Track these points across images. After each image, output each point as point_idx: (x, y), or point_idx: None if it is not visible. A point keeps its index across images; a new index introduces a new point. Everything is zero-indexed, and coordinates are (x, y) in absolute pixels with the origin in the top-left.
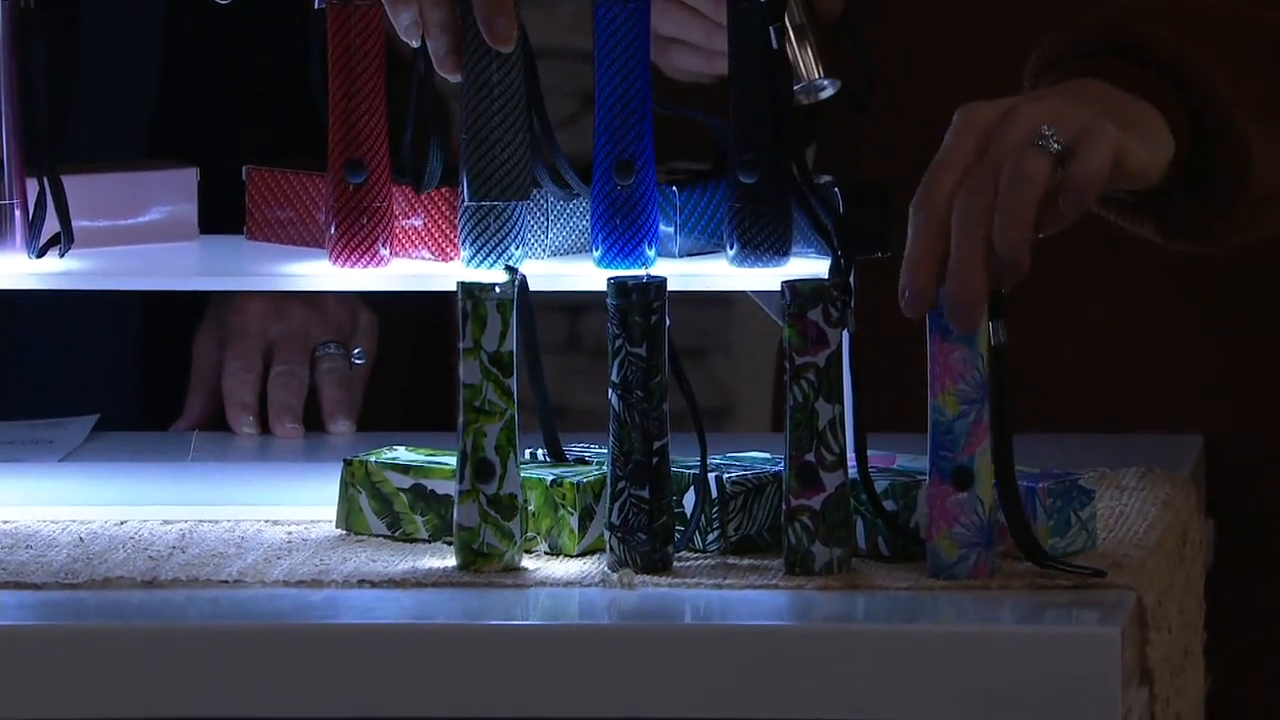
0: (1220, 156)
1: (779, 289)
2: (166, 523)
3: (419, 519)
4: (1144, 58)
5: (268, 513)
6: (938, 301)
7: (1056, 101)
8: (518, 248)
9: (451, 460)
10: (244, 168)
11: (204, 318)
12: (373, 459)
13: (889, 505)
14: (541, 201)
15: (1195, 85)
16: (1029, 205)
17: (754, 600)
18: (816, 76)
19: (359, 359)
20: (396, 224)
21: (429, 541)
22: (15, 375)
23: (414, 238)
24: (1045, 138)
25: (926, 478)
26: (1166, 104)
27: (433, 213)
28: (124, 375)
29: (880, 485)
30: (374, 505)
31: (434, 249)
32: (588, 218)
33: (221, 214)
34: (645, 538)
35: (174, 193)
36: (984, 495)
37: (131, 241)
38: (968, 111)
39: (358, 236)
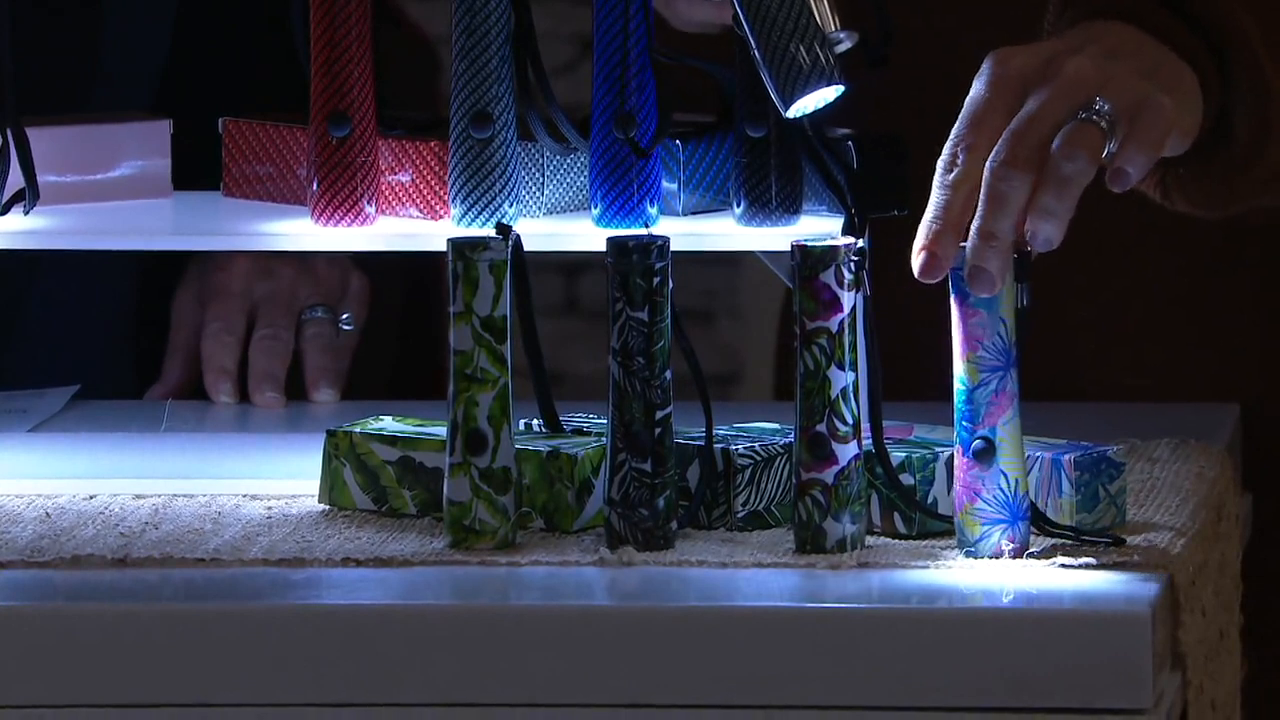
0: (1241, 121)
1: (789, 249)
2: (139, 497)
3: (407, 494)
4: (1174, 5)
5: (246, 487)
6: (952, 266)
7: (1099, 60)
8: (511, 204)
9: (441, 431)
10: (220, 120)
11: (185, 275)
12: (358, 430)
13: (906, 479)
14: (537, 156)
15: (1229, 43)
16: (1078, 187)
17: (762, 580)
18: (833, 29)
19: (347, 325)
20: (383, 180)
21: (417, 517)
22: None
23: (401, 194)
24: (1097, 111)
25: (944, 450)
26: (1196, 57)
27: (421, 168)
28: (107, 340)
29: (896, 458)
30: (359, 479)
31: (423, 207)
32: (586, 173)
33: (196, 169)
34: (647, 513)
35: (146, 146)
36: (1008, 469)
37: (101, 198)
38: (1001, 60)
39: (341, 193)
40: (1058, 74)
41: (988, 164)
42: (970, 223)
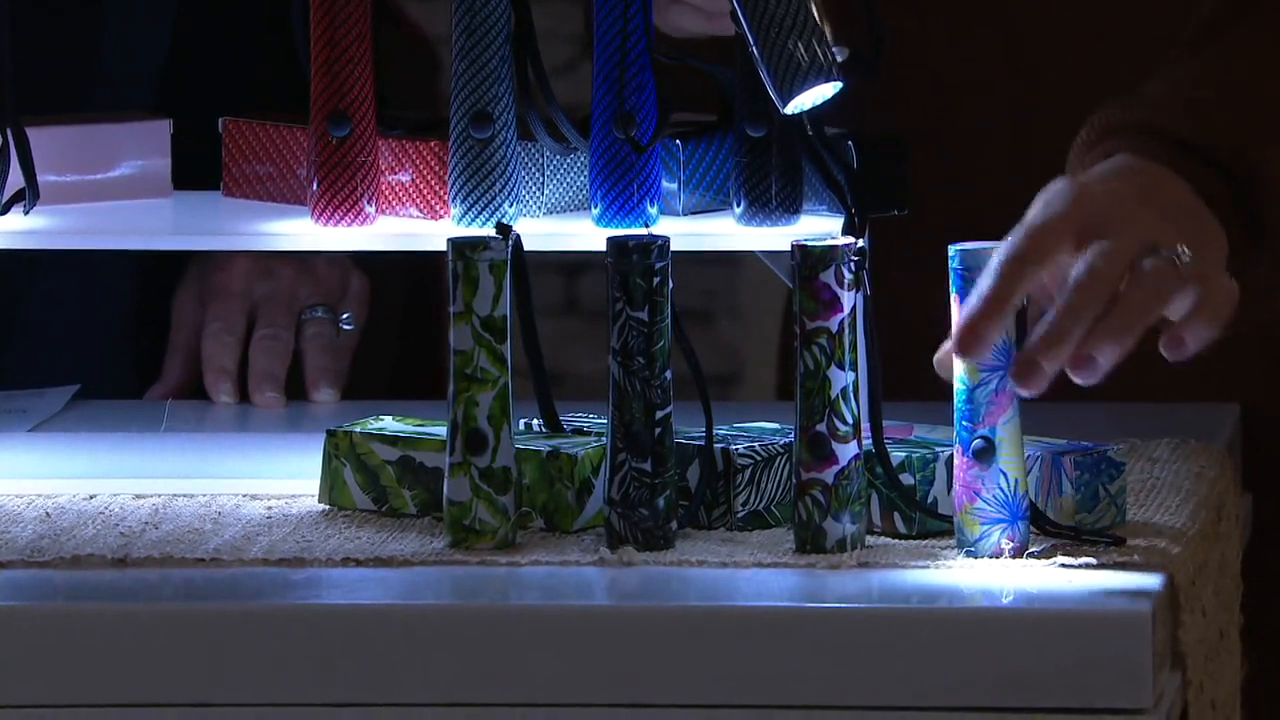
0: (1251, 295)
1: (789, 249)
2: (139, 497)
3: (407, 493)
4: (1219, 161)
5: (246, 486)
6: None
7: (1167, 220)
8: (511, 204)
9: (441, 431)
10: (220, 119)
11: (185, 275)
12: (358, 430)
13: (906, 479)
14: (537, 156)
15: (1268, 216)
16: (1151, 318)
17: (762, 580)
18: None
19: (347, 325)
20: (383, 180)
21: (417, 517)
22: None
23: (401, 194)
24: (1178, 255)
25: (944, 449)
26: (1228, 217)
27: (421, 168)
28: (107, 340)
29: (897, 457)
30: (359, 479)
31: (423, 206)
32: (586, 173)
33: (196, 169)
34: (647, 513)
35: (146, 146)
36: (1008, 468)
37: (101, 198)
38: (1082, 187)
39: (341, 193)
40: (1131, 219)
41: (1073, 277)
42: (1005, 312)
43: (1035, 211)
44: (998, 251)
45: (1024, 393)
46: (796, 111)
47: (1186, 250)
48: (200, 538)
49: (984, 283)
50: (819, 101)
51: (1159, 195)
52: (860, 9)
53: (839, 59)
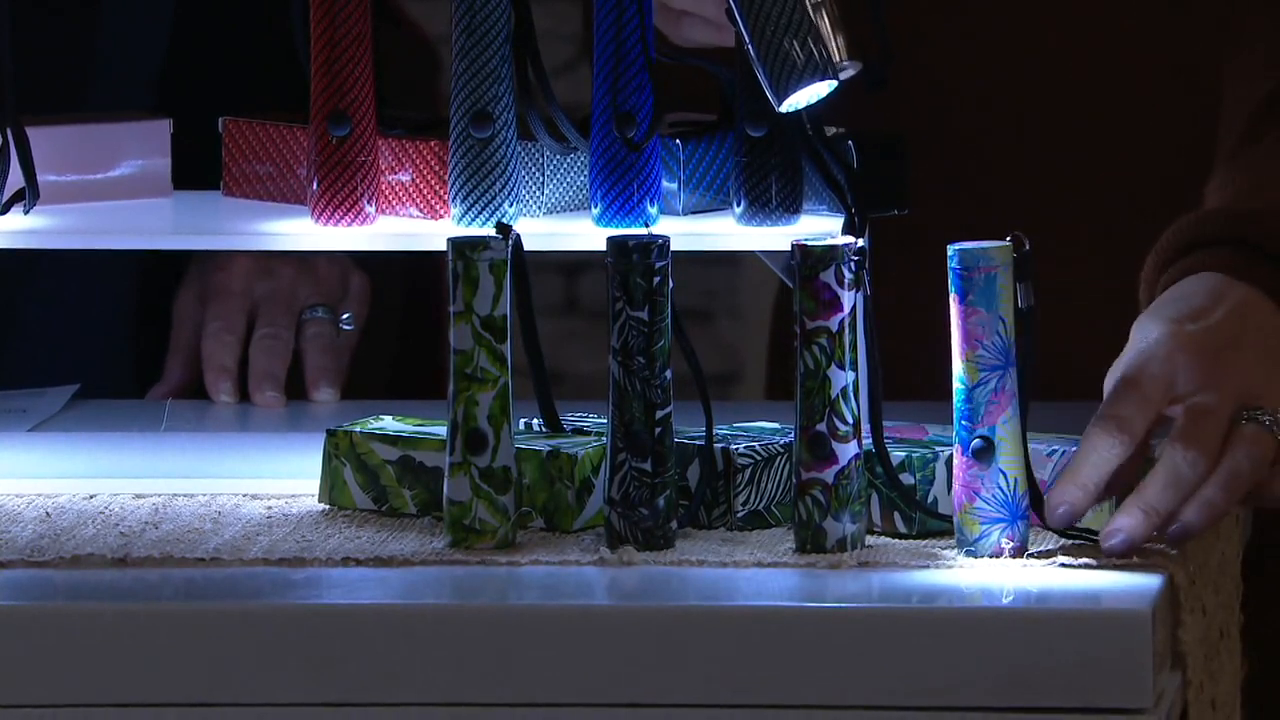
0: None
1: (789, 249)
2: (139, 496)
3: (407, 493)
4: None
5: (246, 486)
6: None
7: (1262, 366)
8: (511, 204)
9: (441, 431)
10: (220, 119)
11: (186, 274)
12: (358, 429)
13: (906, 478)
14: (537, 156)
15: None
16: (1245, 489)
17: (762, 579)
18: (838, 59)
19: (347, 324)
20: (383, 180)
21: (417, 517)
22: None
23: (401, 194)
24: (1274, 419)
25: (944, 449)
26: None
27: (421, 168)
28: (107, 340)
29: (897, 457)
30: (359, 478)
31: (423, 206)
32: (586, 173)
33: (196, 169)
34: (647, 513)
35: (146, 146)
36: (1007, 468)
37: (101, 198)
38: (1176, 338)
39: (341, 193)
40: (1226, 371)
41: (1172, 440)
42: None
43: (1130, 365)
44: (1094, 421)
45: (1112, 555)
46: (791, 109)
47: (1277, 413)
48: (200, 538)
49: (1080, 463)
50: (814, 100)
51: (1249, 332)
52: (870, 21)
53: (852, 71)
